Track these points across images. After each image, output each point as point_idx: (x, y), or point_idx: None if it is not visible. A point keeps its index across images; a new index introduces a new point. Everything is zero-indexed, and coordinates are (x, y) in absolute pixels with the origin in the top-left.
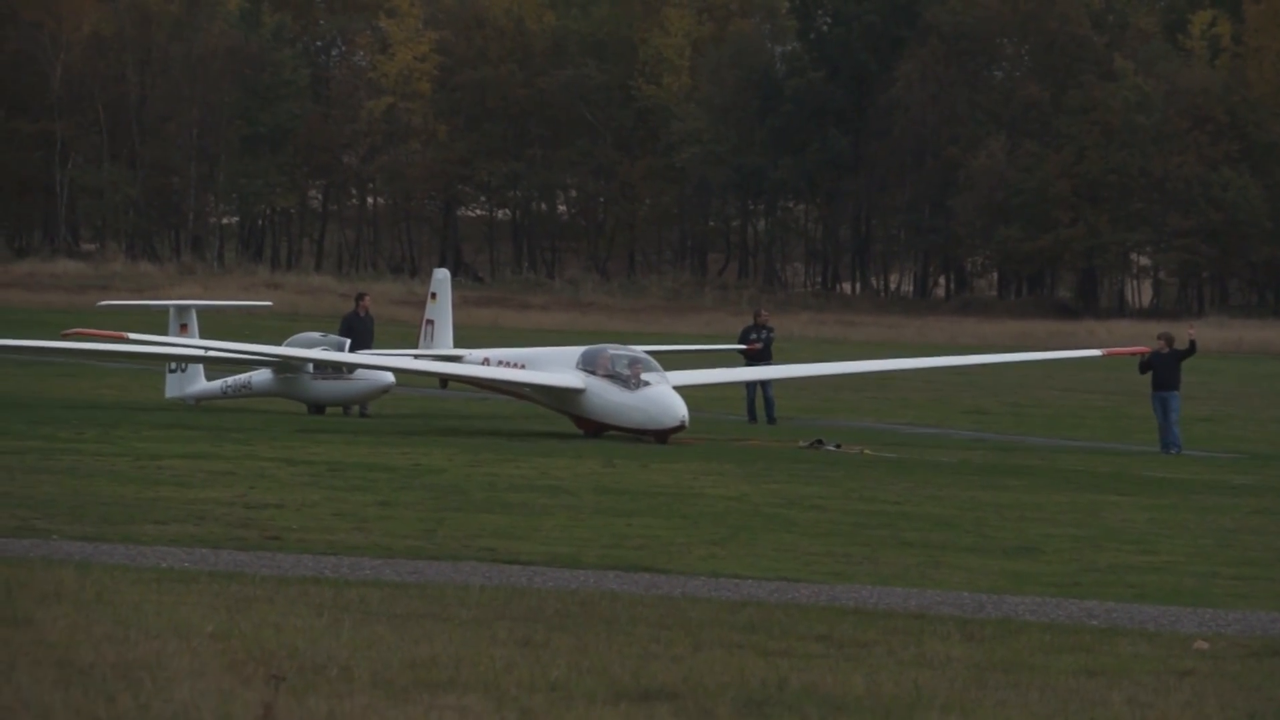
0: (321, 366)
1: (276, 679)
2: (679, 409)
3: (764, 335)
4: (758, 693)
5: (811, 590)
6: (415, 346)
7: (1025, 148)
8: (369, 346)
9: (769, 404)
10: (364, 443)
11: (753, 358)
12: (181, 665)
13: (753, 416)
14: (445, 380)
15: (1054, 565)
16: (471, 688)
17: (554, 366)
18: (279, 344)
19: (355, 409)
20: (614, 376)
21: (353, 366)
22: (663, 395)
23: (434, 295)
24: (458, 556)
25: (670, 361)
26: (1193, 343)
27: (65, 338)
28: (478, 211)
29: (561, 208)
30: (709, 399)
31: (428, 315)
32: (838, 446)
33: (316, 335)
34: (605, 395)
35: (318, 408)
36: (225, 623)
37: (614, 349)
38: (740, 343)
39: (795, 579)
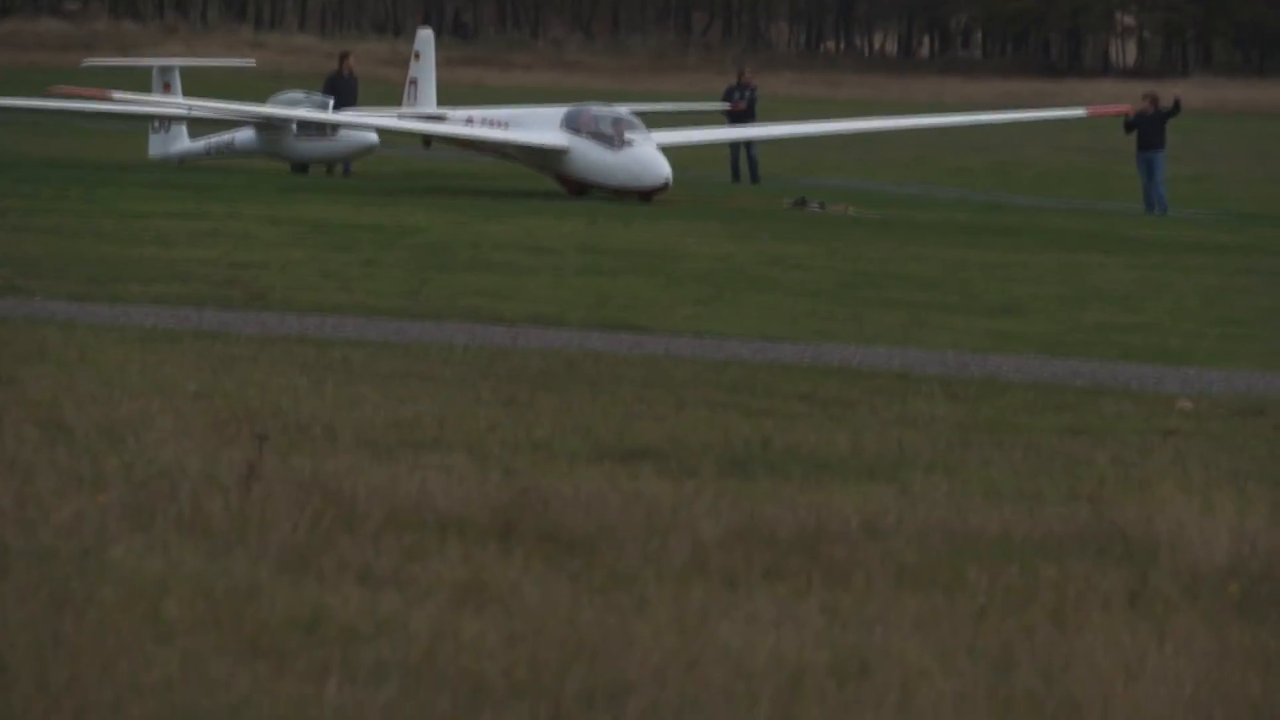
0: (305, 125)
1: (260, 437)
2: (663, 168)
3: (748, 94)
4: (741, 452)
5: (796, 349)
6: (399, 105)
7: None
8: (353, 106)
9: (753, 163)
10: (347, 202)
11: (736, 117)
12: (165, 424)
13: (736, 176)
14: (429, 139)
15: (1039, 324)
16: (455, 447)
17: (538, 126)
18: (263, 104)
19: (339, 168)
20: (598, 135)
21: (336, 125)
22: (646, 154)
23: (417, 55)
24: (441, 316)
25: (654, 121)
26: (1177, 102)
27: (50, 95)
28: None
29: None
30: (693, 158)
31: (411, 74)
32: (822, 206)
33: (300, 94)
34: (589, 154)
35: (301, 166)
36: (209, 382)
37: (598, 108)
38: (724, 101)
39: (779, 338)
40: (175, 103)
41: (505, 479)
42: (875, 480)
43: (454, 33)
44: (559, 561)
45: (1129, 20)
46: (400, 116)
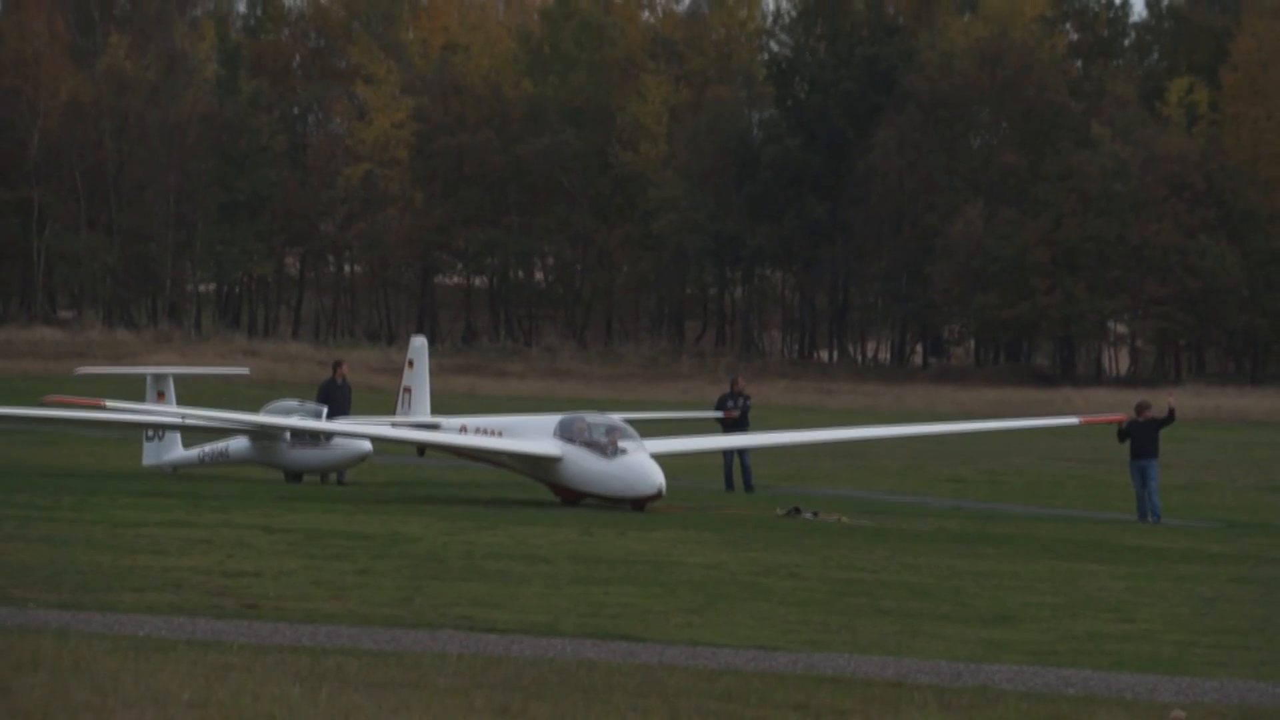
0: (299, 434)
1: None
2: (656, 477)
3: (741, 403)
4: None
5: (789, 659)
6: (393, 414)
7: (1003, 215)
8: (346, 414)
9: (746, 472)
10: (341, 510)
11: (730, 425)
12: None
13: (730, 484)
14: (423, 448)
15: (1031, 634)
16: None
17: (531, 434)
18: (256, 412)
19: (332, 477)
20: (591, 444)
21: (330, 434)
22: (640, 463)
23: (411, 362)
24: (435, 625)
25: (648, 429)
26: (1171, 410)
27: (44, 405)
28: (455, 279)
29: (539, 275)
30: (686, 467)
31: (405, 383)
32: (815, 514)
33: (293, 403)
34: (582, 463)
35: (295, 475)
36: (203, 691)
37: (591, 416)
38: (717, 410)
39: (773, 647)
40: (169, 411)
41: None
42: None
43: (464, 340)
44: None
45: (1121, 329)
46: (394, 425)
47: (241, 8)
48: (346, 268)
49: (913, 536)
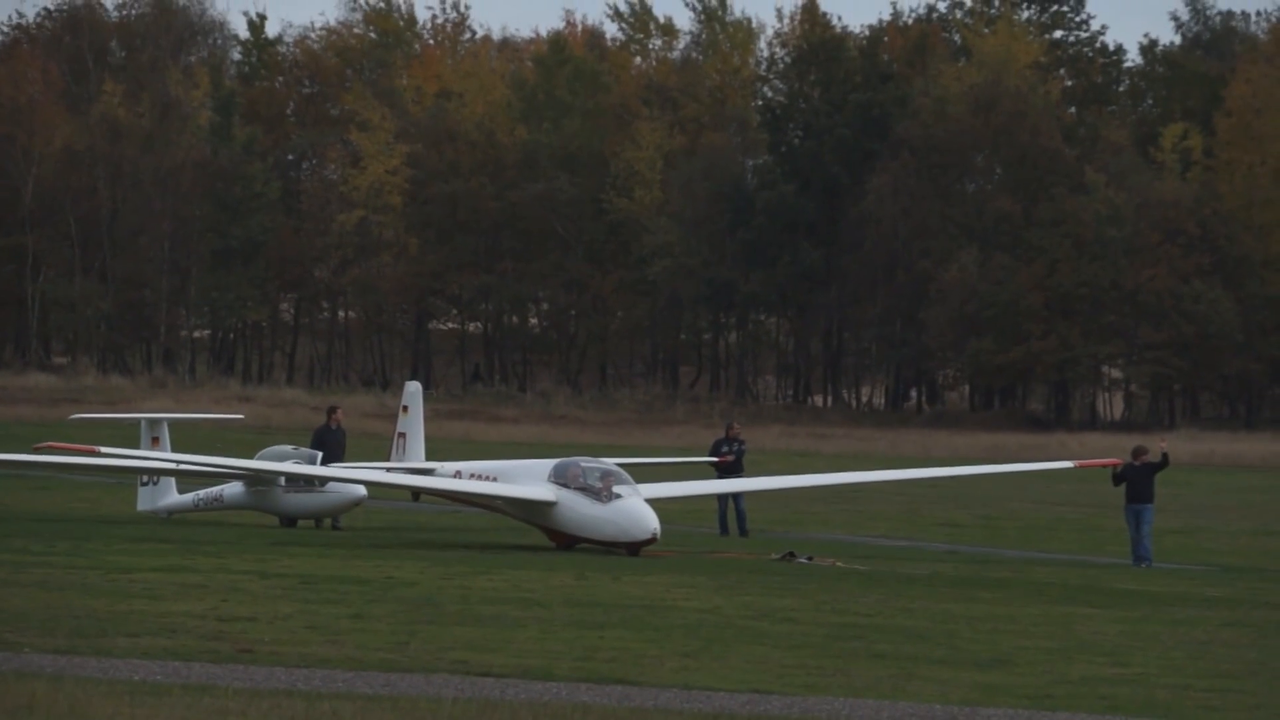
0: (293, 479)
1: None
2: (650, 521)
3: (736, 448)
4: None
5: (784, 702)
6: (387, 459)
7: (997, 260)
8: (341, 459)
9: (741, 516)
10: (336, 555)
11: (725, 470)
12: None
13: (724, 529)
14: (417, 493)
15: (1026, 677)
16: None
17: (526, 479)
18: (250, 457)
19: (327, 522)
20: (586, 489)
21: (324, 479)
22: (634, 508)
23: (405, 408)
24: (430, 669)
25: (642, 474)
26: (1165, 455)
27: (38, 451)
28: (449, 324)
29: (533, 320)
30: (681, 511)
31: (399, 428)
32: (810, 559)
33: (288, 448)
34: (577, 508)
35: (290, 520)
36: None
37: (585, 462)
38: (712, 455)
39: (768, 691)
40: (163, 457)
41: None
42: None
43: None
44: None
45: (1116, 374)
46: (389, 470)
47: (236, 55)
48: (341, 313)
49: (907, 581)
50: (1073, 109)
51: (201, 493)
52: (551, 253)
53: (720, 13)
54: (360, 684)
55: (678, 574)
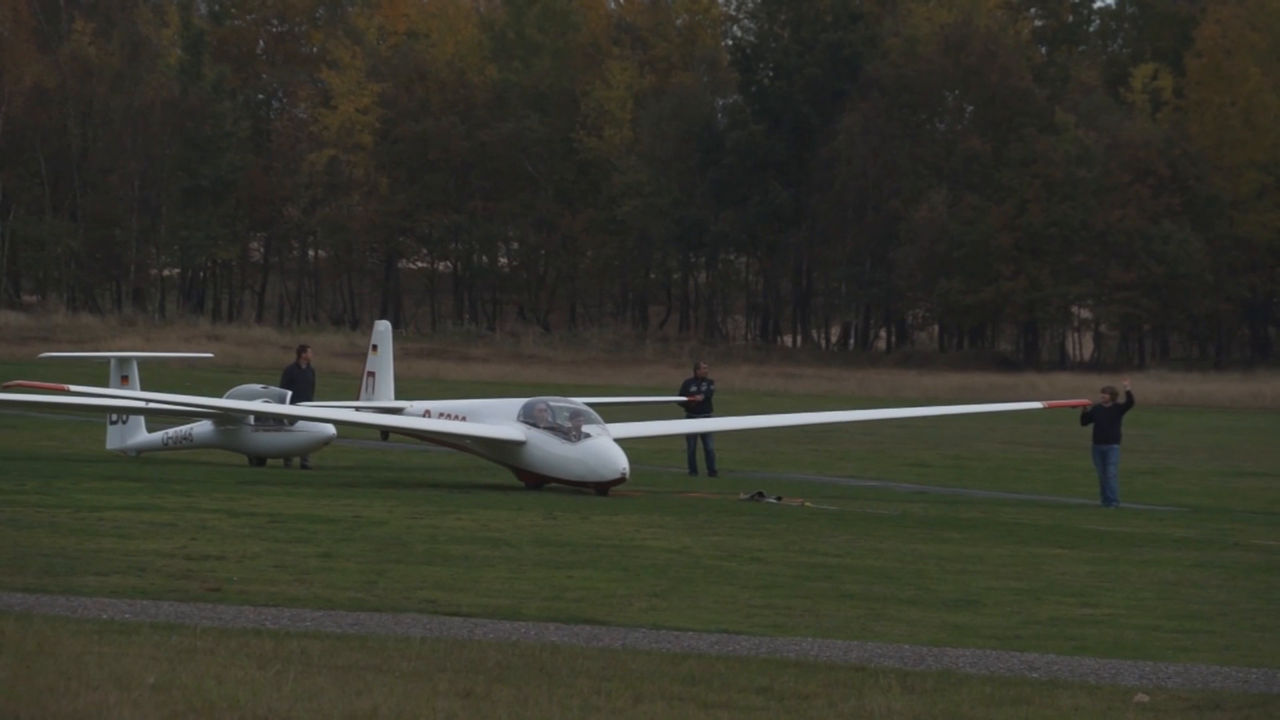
0: (262, 418)
1: None
2: (620, 461)
3: (704, 388)
4: None
5: (752, 643)
6: (356, 398)
7: (967, 200)
8: (310, 398)
9: (709, 456)
10: (305, 494)
11: (693, 410)
12: (123, 717)
13: (693, 469)
14: (386, 432)
15: (995, 618)
16: None
17: (495, 419)
18: (220, 396)
19: (296, 461)
20: (555, 429)
21: (294, 418)
22: (603, 447)
23: (375, 347)
24: (399, 608)
25: (611, 414)
26: (1129, 395)
27: (6, 389)
28: (419, 264)
29: (503, 260)
30: (650, 451)
31: (369, 367)
32: (779, 499)
33: (257, 387)
34: (546, 447)
35: (259, 459)
36: (167, 674)
37: (555, 401)
38: (681, 395)
39: (736, 631)
40: (132, 395)
41: None
42: None
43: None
44: None
45: (1085, 314)
46: (358, 409)
47: None
48: (311, 253)
49: (876, 521)
50: (1043, 49)
51: (170, 431)
52: (521, 192)
53: None
54: (329, 623)
55: (646, 514)
